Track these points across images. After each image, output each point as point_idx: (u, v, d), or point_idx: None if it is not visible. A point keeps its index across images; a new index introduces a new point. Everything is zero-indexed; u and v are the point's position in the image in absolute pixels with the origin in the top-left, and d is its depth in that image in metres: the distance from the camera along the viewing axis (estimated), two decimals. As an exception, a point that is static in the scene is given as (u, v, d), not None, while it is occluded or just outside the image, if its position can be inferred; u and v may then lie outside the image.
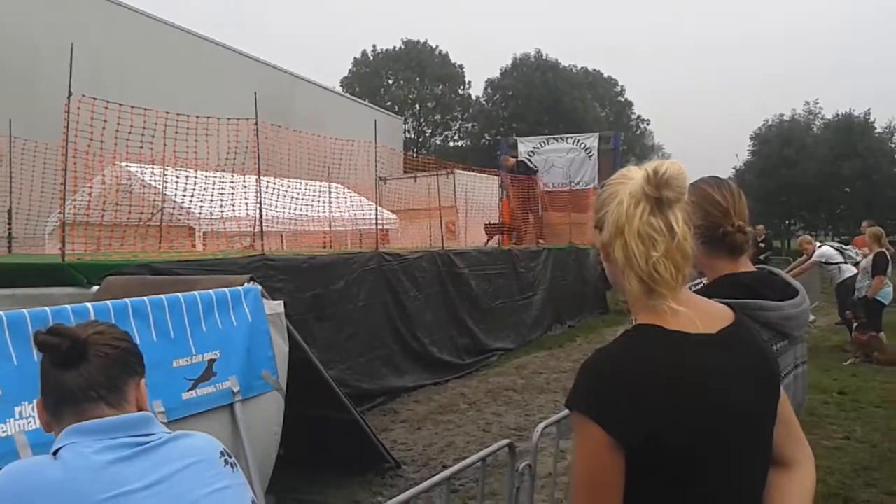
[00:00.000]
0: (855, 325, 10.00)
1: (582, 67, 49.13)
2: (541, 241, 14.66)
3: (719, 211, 1.97)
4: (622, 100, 50.89)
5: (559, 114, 42.26)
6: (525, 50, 53.27)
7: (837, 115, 42.61)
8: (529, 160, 16.88)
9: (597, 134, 22.03)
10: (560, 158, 20.45)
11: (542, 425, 3.81)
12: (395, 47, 48.91)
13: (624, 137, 33.78)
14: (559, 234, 15.61)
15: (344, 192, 10.93)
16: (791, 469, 1.56)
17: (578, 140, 21.21)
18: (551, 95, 43.21)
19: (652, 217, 1.38)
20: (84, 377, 1.49)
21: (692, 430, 1.32)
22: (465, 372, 9.60)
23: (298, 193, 9.11)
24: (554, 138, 22.16)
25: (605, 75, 50.34)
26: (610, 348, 1.42)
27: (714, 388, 1.36)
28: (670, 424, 1.30)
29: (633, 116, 51.15)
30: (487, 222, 14.62)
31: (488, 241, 14.12)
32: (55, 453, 1.44)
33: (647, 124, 53.05)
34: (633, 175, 1.43)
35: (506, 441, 3.52)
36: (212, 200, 8.21)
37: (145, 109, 6.66)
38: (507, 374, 9.57)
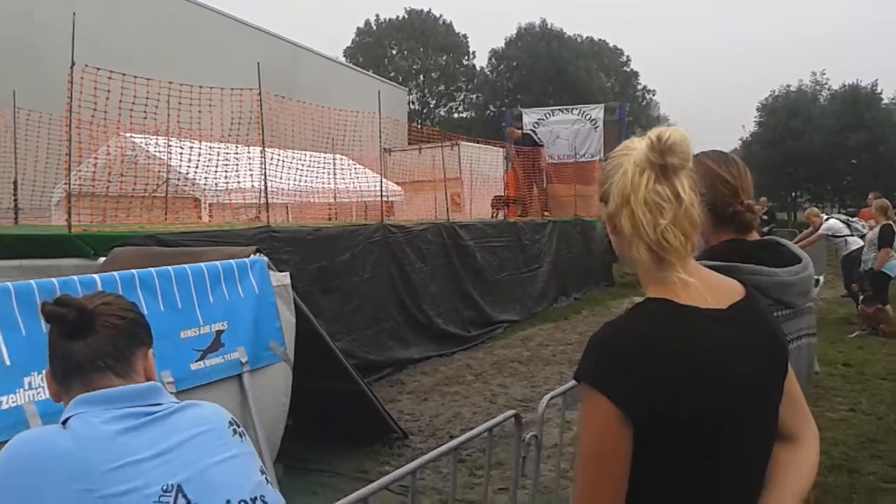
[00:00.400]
0: (861, 297, 9.98)
1: (587, 37, 48.68)
2: (546, 213, 14.61)
3: (728, 189, 1.94)
4: (628, 70, 50.44)
5: (564, 84, 41.92)
6: (530, 19, 52.76)
7: (844, 85, 42.28)
8: (535, 133, 16.75)
9: (602, 105, 21.82)
10: (565, 130, 20.29)
11: (548, 396, 3.83)
12: (398, 17, 48.47)
13: (629, 108, 33.48)
14: (564, 206, 15.55)
15: (349, 164, 10.89)
16: (796, 444, 1.56)
17: (583, 111, 21.03)
18: (556, 65, 42.83)
19: (658, 185, 1.36)
20: (91, 347, 1.49)
21: (700, 405, 1.31)
22: (471, 344, 9.62)
23: (303, 165, 9.08)
24: (559, 109, 21.99)
25: (611, 45, 49.90)
26: (620, 321, 1.41)
27: (723, 363, 1.35)
28: (678, 398, 1.29)
29: (639, 87, 50.73)
30: (495, 196, 14.56)
31: (495, 214, 14.08)
32: (64, 423, 1.44)
33: (653, 95, 52.64)
34: (636, 145, 1.41)
35: (512, 412, 3.54)
36: (216, 172, 8.19)
37: (148, 79, 6.60)
38: (513, 346, 9.59)
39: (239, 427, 1.64)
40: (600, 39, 49.53)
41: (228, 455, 1.53)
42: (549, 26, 45.88)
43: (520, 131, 16.13)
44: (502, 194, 14.71)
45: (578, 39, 47.34)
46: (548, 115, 21.14)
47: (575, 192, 15.43)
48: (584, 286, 14.47)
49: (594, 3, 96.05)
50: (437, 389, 7.41)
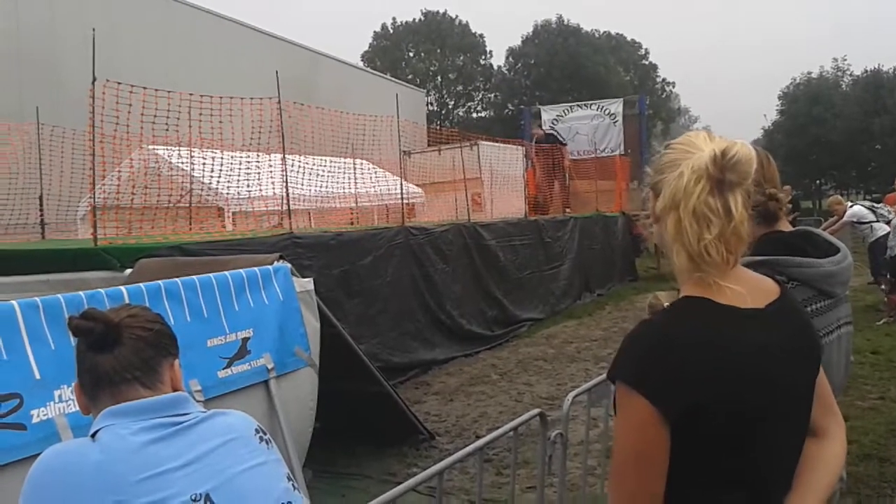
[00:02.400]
0: (883, 286, 9.83)
1: (605, 31, 48.22)
2: (567, 209, 14.58)
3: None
4: (646, 63, 49.90)
5: (582, 80, 41.62)
6: (546, 16, 52.51)
7: (866, 71, 41.52)
8: (557, 132, 16.72)
9: (621, 99, 21.70)
10: (584, 125, 20.21)
11: (572, 394, 3.81)
12: (414, 19, 48.43)
13: (649, 101, 33.20)
14: (585, 202, 15.51)
15: (369, 168, 10.94)
16: (823, 438, 1.56)
17: (602, 106, 20.93)
18: (574, 61, 42.54)
19: (710, 197, 1.35)
20: (119, 360, 1.52)
21: (737, 404, 1.31)
22: (496, 343, 9.64)
23: (324, 171, 9.14)
24: (578, 105, 21.89)
25: (629, 38, 49.36)
26: (656, 319, 1.41)
27: (760, 362, 1.35)
28: (715, 397, 1.29)
29: (658, 79, 50.14)
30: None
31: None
32: (93, 435, 1.47)
33: (673, 87, 52.04)
34: (701, 146, 1.39)
35: (536, 410, 3.54)
36: (239, 180, 8.27)
37: (169, 92, 6.70)
38: (538, 345, 9.59)
39: (265, 434, 1.67)
40: (618, 33, 49.07)
41: (256, 462, 1.56)
42: (565, 22, 45.58)
43: (542, 131, 16.11)
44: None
45: (596, 34, 46.95)
46: (566, 112, 21.07)
47: (596, 187, 15.37)
48: (607, 282, 14.40)
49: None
50: (463, 390, 7.43)
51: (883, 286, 9.84)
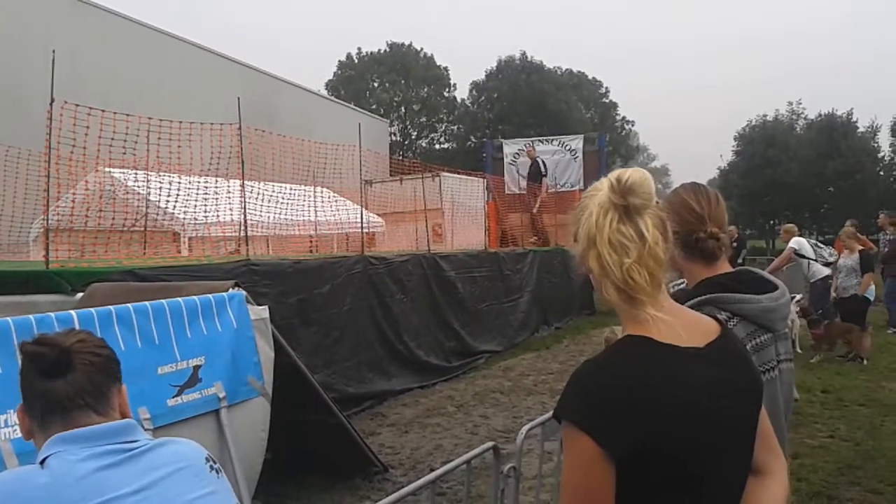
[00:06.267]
0: (808, 322, 10.03)
1: (567, 69, 49.29)
2: (534, 240, 14.90)
3: (694, 217, 2.00)
4: (607, 101, 51.06)
5: (544, 115, 42.35)
6: (510, 52, 53.41)
7: (820, 115, 43.02)
8: (542, 162, 16.98)
9: (581, 135, 22.15)
10: (545, 160, 20.53)
11: (526, 427, 3.82)
12: (380, 50, 48.88)
13: (609, 138, 33.89)
14: (545, 235, 15.72)
15: (329, 196, 10.91)
16: (764, 477, 1.58)
17: (563, 142, 21.32)
18: (536, 97, 43.29)
19: (621, 225, 1.39)
20: (72, 385, 1.50)
21: (681, 443, 1.33)
22: (453, 375, 9.61)
23: (284, 197, 9.09)
24: (539, 140, 22.26)
25: (590, 77, 50.52)
26: (599, 359, 1.43)
27: (702, 401, 1.37)
28: (660, 437, 1.31)
29: (619, 117, 51.32)
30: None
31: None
32: (41, 462, 1.44)
33: (632, 125, 53.28)
34: (602, 186, 1.45)
35: (490, 443, 3.53)
36: (196, 205, 8.18)
37: (128, 115, 6.63)
38: (495, 377, 9.59)
39: (216, 463, 1.65)
40: (579, 71, 50.19)
41: (206, 492, 1.55)
42: (528, 59, 46.50)
43: (535, 152, 16.77)
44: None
45: (558, 72, 47.94)
46: (528, 146, 21.38)
47: (556, 221, 15.55)
48: (565, 315, 14.52)
49: (573, 36, 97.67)
50: (418, 421, 7.38)
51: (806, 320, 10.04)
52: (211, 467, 1.63)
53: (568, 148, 20.96)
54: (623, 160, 48.65)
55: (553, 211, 15.65)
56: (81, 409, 1.50)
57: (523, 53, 46.86)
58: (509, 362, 10.54)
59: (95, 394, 1.53)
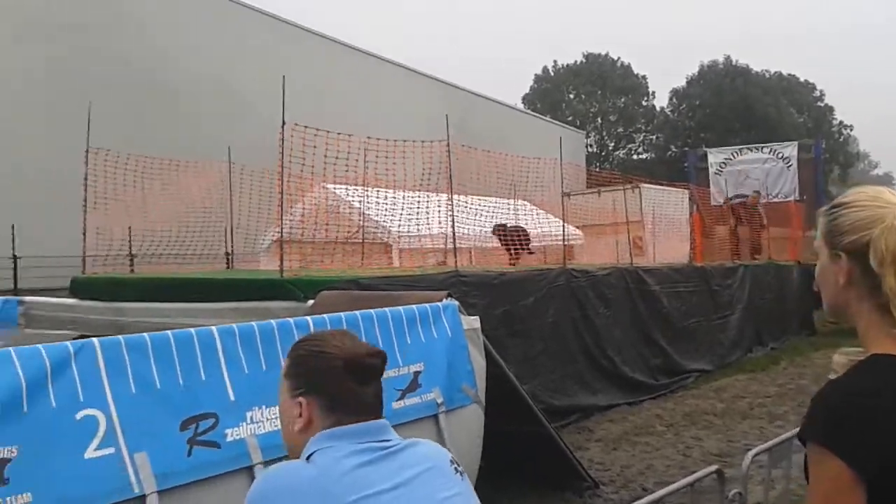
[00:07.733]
0: None
1: (776, 72, 46.05)
2: (757, 256, 14.03)
3: None
4: (822, 105, 47.00)
5: (751, 122, 39.84)
6: (713, 57, 50.92)
7: None
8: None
9: (795, 142, 20.63)
10: (755, 169, 19.35)
11: (752, 452, 3.67)
12: (576, 61, 48.62)
13: (825, 145, 31.19)
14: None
15: (530, 209, 11.00)
16: None
17: (775, 149, 19.96)
18: (742, 102, 40.85)
19: None
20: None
21: None
22: (660, 393, 9.27)
23: (487, 210, 9.29)
24: (748, 148, 21.01)
25: (802, 79, 46.80)
26: (846, 378, 1.36)
27: None
28: None
29: (835, 122, 47.05)
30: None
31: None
32: (308, 458, 1.55)
33: (851, 130, 48.57)
34: (891, 199, 1.38)
35: (714, 467, 3.39)
36: (408, 218, 8.59)
37: (349, 136, 7.11)
38: (706, 397, 9.12)
39: (459, 466, 1.70)
40: (790, 74, 46.65)
41: (454, 492, 1.59)
42: (733, 62, 44.04)
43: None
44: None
45: (766, 75, 44.95)
46: (735, 155, 20.25)
47: (769, 234, 14.57)
48: (781, 335, 13.51)
49: (780, 38, 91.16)
50: (627, 439, 7.19)
51: None
52: (455, 469, 1.67)
53: (780, 156, 19.58)
54: (841, 168, 44.62)
55: (769, 224, 14.66)
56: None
57: (728, 57, 44.46)
58: (721, 383, 9.98)
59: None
